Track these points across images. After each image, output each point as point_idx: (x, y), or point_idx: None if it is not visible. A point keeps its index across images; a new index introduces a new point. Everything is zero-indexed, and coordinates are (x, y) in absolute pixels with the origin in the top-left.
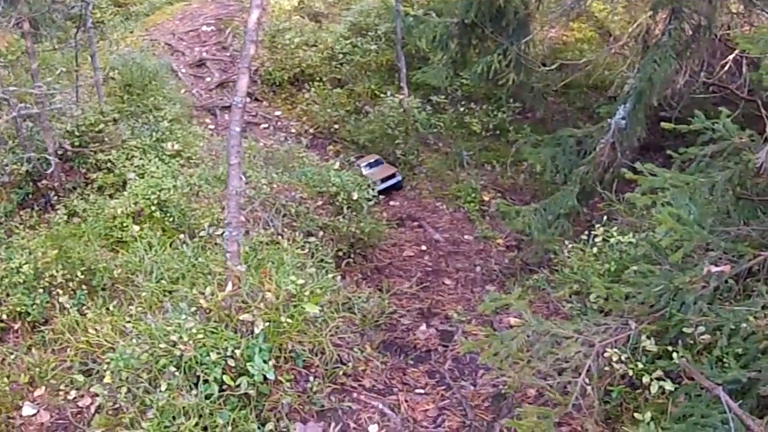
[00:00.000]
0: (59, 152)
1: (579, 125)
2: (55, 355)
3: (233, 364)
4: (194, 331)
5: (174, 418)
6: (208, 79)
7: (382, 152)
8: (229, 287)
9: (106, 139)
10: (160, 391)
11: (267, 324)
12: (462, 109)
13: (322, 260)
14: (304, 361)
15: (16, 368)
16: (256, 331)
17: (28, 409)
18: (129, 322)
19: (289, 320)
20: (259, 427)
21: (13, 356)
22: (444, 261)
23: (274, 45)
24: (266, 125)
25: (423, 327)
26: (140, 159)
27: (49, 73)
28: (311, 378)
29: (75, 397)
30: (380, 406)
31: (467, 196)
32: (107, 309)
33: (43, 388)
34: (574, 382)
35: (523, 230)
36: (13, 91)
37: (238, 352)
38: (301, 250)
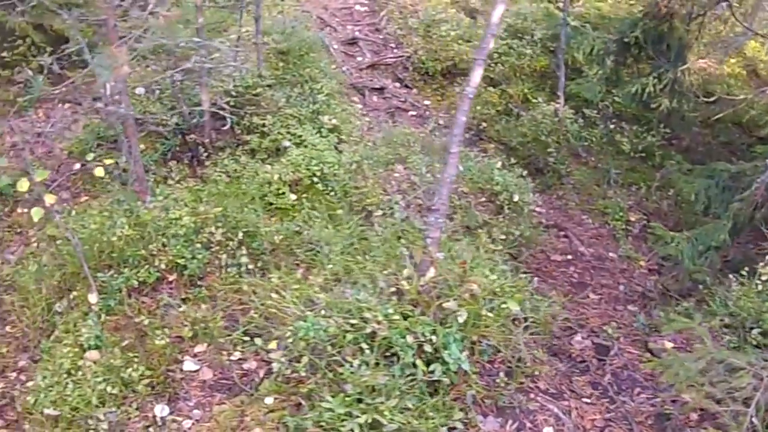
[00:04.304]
0: (212, 110)
1: (728, 159)
2: (222, 312)
3: (429, 350)
4: (391, 311)
5: (373, 397)
6: (360, 58)
7: (529, 156)
8: (431, 273)
9: (263, 103)
10: (353, 367)
11: (468, 315)
12: (612, 126)
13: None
14: (489, 355)
15: (175, 321)
16: (460, 320)
17: (189, 365)
18: (318, 292)
19: (489, 314)
20: (447, 416)
21: (181, 308)
22: (589, 275)
23: (429, 35)
24: (414, 113)
25: (578, 337)
26: (296, 128)
27: (212, 32)
28: (501, 374)
29: (239, 359)
30: (555, 409)
31: (615, 213)
32: (296, 277)
33: (205, 344)
34: (743, 412)
35: (671, 256)
36: (197, 43)
37: (434, 338)
38: (493, 245)
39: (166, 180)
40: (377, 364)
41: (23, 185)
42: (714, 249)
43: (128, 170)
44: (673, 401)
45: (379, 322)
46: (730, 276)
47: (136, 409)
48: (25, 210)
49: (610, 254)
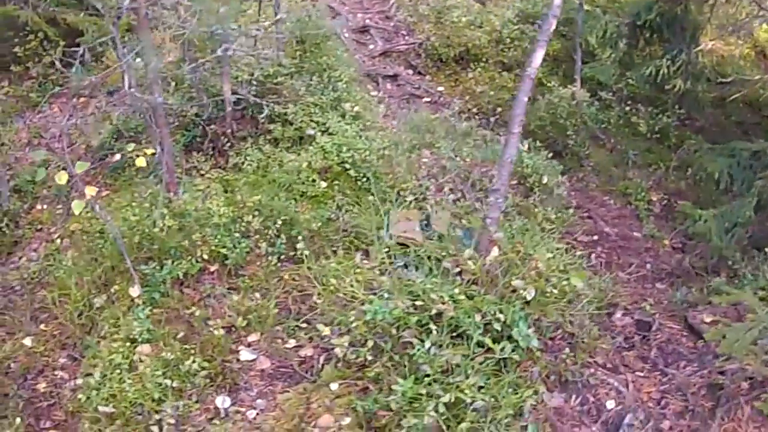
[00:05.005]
0: (233, 100)
1: (741, 139)
2: (272, 301)
3: (497, 328)
4: (456, 291)
5: (447, 376)
6: (371, 46)
7: (548, 140)
8: (495, 252)
9: (284, 92)
10: (423, 348)
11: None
12: (627, 108)
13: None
14: (550, 332)
15: (226, 311)
16: (528, 298)
17: (246, 354)
18: (378, 275)
19: (554, 291)
20: (515, 392)
21: (234, 298)
22: (616, 254)
23: (441, 21)
24: (429, 99)
25: (618, 315)
26: (319, 116)
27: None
28: (566, 349)
29: (295, 346)
30: (615, 383)
31: (636, 194)
32: (353, 261)
33: (258, 333)
34: None
35: (695, 234)
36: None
37: (502, 316)
38: (546, 224)
39: (190, 171)
40: (449, 344)
41: (62, 178)
42: (740, 225)
43: (151, 163)
44: (721, 372)
45: (444, 303)
46: (755, 252)
47: (196, 401)
48: (44, 206)
49: (635, 234)
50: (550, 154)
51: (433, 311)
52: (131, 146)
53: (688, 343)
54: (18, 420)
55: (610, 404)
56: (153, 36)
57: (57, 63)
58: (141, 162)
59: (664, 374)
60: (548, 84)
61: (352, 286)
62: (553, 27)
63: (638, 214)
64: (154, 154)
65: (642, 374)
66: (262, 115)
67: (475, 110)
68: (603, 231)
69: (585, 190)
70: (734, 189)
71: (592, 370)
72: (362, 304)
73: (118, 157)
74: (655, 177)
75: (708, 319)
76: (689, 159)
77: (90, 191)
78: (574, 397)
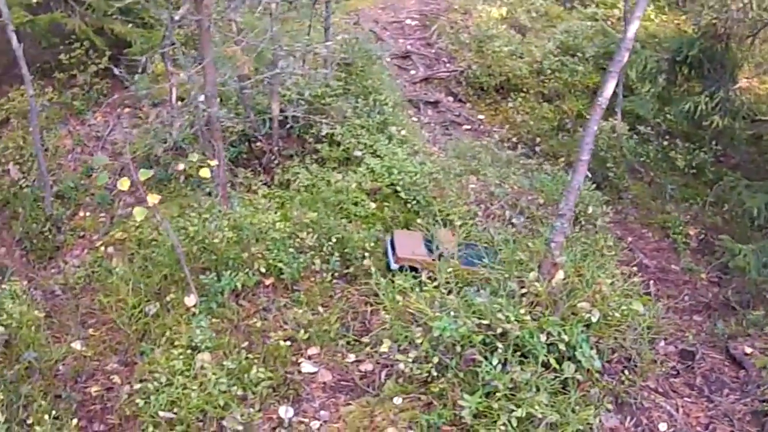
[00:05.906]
0: (280, 118)
1: None
2: (333, 315)
3: (562, 348)
4: (522, 312)
5: (513, 393)
6: (413, 72)
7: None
8: (560, 275)
9: (332, 113)
10: (490, 364)
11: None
12: (665, 143)
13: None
14: (608, 354)
15: (283, 324)
16: (593, 320)
17: (308, 367)
18: (445, 294)
19: (617, 315)
20: (574, 411)
21: (299, 311)
22: (655, 286)
23: (482, 50)
24: (469, 127)
25: (662, 343)
26: (366, 138)
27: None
28: (626, 371)
29: (355, 361)
30: (667, 407)
31: (674, 228)
32: (420, 281)
33: (318, 347)
34: None
35: (729, 269)
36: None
37: (566, 337)
38: (607, 251)
39: (237, 186)
40: (516, 362)
41: (124, 184)
42: None
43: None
44: (764, 400)
45: (509, 323)
46: None
47: (259, 410)
48: (87, 213)
49: (672, 266)
50: (593, 186)
51: (498, 330)
52: (195, 157)
53: (731, 373)
54: (74, 421)
55: (663, 427)
56: (224, 49)
57: (116, 71)
58: (205, 173)
59: (710, 401)
60: (588, 117)
61: (418, 303)
62: (626, 59)
63: (676, 248)
64: (213, 166)
65: (690, 400)
66: (323, 133)
67: (515, 139)
68: (642, 262)
69: (624, 221)
70: None
71: (645, 394)
72: (427, 321)
73: (182, 166)
74: (692, 212)
75: (749, 350)
76: (725, 195)
77: (152, 199)
78: (629, 418)
